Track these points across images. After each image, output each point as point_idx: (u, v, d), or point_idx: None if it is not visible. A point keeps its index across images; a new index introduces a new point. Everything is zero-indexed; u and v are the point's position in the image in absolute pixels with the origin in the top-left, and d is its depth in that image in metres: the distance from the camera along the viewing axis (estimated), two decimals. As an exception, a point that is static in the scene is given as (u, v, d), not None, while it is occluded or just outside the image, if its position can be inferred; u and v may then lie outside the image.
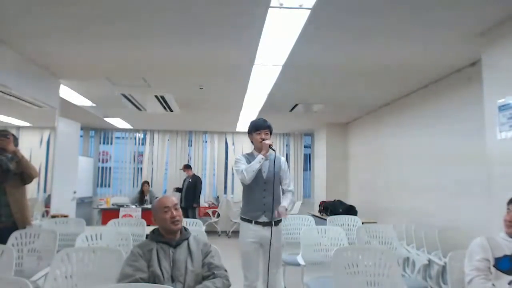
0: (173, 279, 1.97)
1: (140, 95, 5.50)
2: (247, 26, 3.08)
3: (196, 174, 8.25)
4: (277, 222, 2.92)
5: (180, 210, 2.16)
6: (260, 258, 2.93)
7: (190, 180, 7.78)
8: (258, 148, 2.96)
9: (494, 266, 2.09)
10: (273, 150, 2.94)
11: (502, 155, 2.92)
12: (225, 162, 9.67)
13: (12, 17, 3.05)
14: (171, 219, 2.08)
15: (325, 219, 4.72)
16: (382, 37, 3.34)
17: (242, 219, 2.97)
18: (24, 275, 2.60)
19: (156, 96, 5.55)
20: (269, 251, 2.85)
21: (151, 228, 2.25)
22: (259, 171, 2.90)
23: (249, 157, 2.99)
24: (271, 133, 2.99)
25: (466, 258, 2.19)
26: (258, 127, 2.97)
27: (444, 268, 3.34)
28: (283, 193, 3.04)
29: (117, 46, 3.67)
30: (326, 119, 7.70)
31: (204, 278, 2.03)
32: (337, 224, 4.36)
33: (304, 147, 9.93)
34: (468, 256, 2.18)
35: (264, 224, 2.88)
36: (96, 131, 9.49)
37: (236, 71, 4.34)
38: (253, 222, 2.89)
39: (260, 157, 2.85)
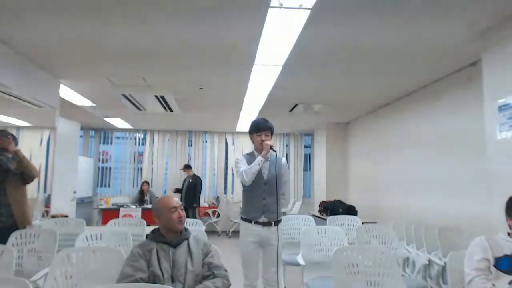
0: (173, 279, 1.97)
1: (140, 95, 5.50)
2: (247, 26, 3.08)
3: (196, 174, 8.25)
4: (277, 222, 2.91)
5: (183, 210, 2.18)
6: (260, 258, 2.92)
7: (190, 180, 7.78)
8: (259, 149, 2.93)
9: (494, 266, 2.08)
10: (274, 151, 2.90)
11: (502, 155, 2.92)
12: (225, 162, 9.67)
13: (12, 17, 3.05)
14: (178, 219, 2.10)
15: (325, 219, 4.72)
16: (382, 38, 3.34)
17: (242, 218, 2.97)
18: (24, 275, 2.61)
19: (156, 96, 5.56)
20: (270, 251, 2.84)
21: (151, 228, 2.25)
22: (259, 172, 2.87)
23: (250, 158, 2.96)
24: (272, 134, 2.95)
25: (466, 258, 2.19)
26: (258, 128, 2.92)
27: (444, 268, 3.34)
28: None
29: (118, 46, 3.67)
30: (326, 119, 7.70)
31: (204, 278, 2.03)
32: (337, 224, 4.36)
33: (304, 147, 9.93)
34: (468, 256, 2.17)
35: (264, 224, 2.87)
36: (96, 131, 9.48)
37: (236, 71, 4.34)
38: (253, 222, 2.88)
39: (259, 158, 2.82)
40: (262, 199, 2.87)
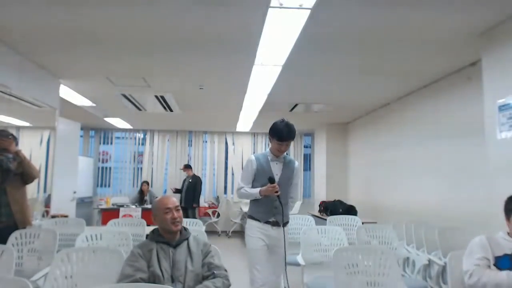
0: (173, 279, 1.98)
1: (140, 95, 5.51)
2: (247, 26, 3.08)
3: (196, 174, 8.25)
4: (285, 224, 2.86)
5: (180, 211, 2.17)
6: (267, 261, 2.81)
7: (190, 180, 7.78)
8: (274, 153, 2.87)
9: (494, 265, 2.08)
10: (280, 203, 2.75)
11: (502, 155, 2.92)
12: (225, 162, 9.66)
13: (12, 18, 3.05)
14: (172, 220, 2.09)
15: (325, 219, 4.72)
16: (382, 37, 3.34)
17: (250, 217, 2.89)
18: (24, 275, 2.60)
19: (156, 96, 5.56)
20: (278, 253, 2.77)
21: (151, 228, 2.25)
22: (272, 173, 2.82)
23: (263, 160, 2.87)
24: (292, 139, 2.88)
25: (465, 256, 2.17)
26: (281, 138, 2.78)
27: (444, 268, 3.34)
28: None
29: (118, 46, 3.67)
30: (326, 119, 7.70)
31: (204, 278, 2.03)
32: (337, 224, 4.36)
33: (304, 147, 9.93)
34: (468, 255, 2.16)
35: (273, 223, 2.80)
36: (96, 131, 9.48)
37: (236, 71, 4.34)
38: (262, 222, 2.81)
39: (257, 194, 2.76)
40: (274, 201, 2.79)
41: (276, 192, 2.70)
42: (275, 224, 2.81)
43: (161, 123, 8.58)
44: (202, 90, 5.24)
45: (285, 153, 2.94)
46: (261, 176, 2.84)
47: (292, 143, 10.33)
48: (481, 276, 2.01)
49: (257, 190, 2.77)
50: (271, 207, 2.81)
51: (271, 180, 2.74)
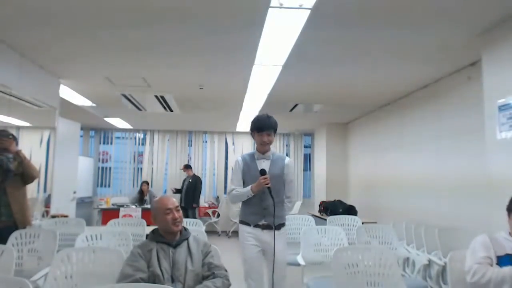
0: (173, 279, 1.98)
1: (140, 95, 5.51)
2: (247, 26, 3.08)
3: (196, 174, 8.25)
4: (279, 226, 2.71)
5: (180, 211, 2.16)
6: (264, 267, 2.71)
7: (190, 180, 7.78)
8: (260, 149, 2.77)
9: (497, 264, 2.08)
10: (270, 195, 2.63)
11: (502, 155, 2.92)
12: (225, 162, 9.67)
13: (12, 18, 3.05)
14: (173, 220, 2.08)
15: (325, 219, 4.72)
16: (382, 38, 3.34)
17: (241, 222, 2.79)
18: (24, 275, 2.60)
19: (156, 96, 5.56)
20: (273, 256, 2.64)
21: (151, 228, 2.25)
22: (258, 171, 2.71)
23: (249, 159, 2.78)
24: (275, 132, 2.76)
25: (468, 254, 2.16)
26: (260, 128, 2.70)
27: (444, 268, 3.34)
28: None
29: (118, 46, 3.67)
30: (326, 119, 7.70)
31: (204, 278, 2.03)
32: (337, 224, 4.36)
33: (304, 147, 9.93)
34: (471, 253, 2.16)
35: (263, 227, 2.67)
36: (96, 131, 9.49)
37: (236, 71, 4.35)
38: (252, 225, 2.70)
39: (249, 192, 2.65)
40: (261, 201, 2.68)
41: (267, 184, 2.59)
42: (266, 227, 2.67)
43: (161, 123, 8.58)
44: (202, 90, 5.24)
45: (272, 150, 2.81)
46: (248, 176, 2.75)
47: (291, 143, 10.25)
48: (485, 272, 2.00)
49: (248, 187, 2.67)
50: (261, 208, 2.69)
51: (262, 171, 2.64)
